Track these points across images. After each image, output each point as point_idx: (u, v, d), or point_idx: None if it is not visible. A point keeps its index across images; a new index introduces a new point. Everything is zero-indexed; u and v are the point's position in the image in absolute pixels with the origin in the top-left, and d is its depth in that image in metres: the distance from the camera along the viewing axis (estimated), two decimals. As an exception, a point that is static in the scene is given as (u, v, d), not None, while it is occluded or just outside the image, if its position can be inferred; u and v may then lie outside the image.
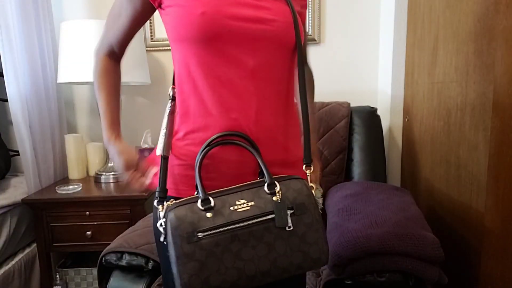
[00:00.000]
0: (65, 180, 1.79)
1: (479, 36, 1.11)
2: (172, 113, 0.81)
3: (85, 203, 1.52)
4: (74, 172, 1.78)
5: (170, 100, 0.82)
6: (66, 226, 1.54)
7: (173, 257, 0.66)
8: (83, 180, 1.78)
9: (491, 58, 1.05)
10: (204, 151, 0.71)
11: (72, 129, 1.98)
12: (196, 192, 0.71)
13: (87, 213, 1.52)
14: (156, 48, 1.90)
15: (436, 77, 1.39)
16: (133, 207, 1.53)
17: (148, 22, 1.87)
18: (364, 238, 1.03)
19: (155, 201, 0.72)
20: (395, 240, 1.02)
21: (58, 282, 1.65)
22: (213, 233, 0.66)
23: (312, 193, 0.73)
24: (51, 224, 1.53)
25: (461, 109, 1.22)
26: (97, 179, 1.73)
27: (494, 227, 1.08)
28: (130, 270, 1.16)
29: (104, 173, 1.72)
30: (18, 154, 1.68)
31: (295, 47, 0.78)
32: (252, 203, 0.68)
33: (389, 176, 1.83)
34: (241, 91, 0.73)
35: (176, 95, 0.79)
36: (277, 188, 0.70)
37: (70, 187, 1.61)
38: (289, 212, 0.69)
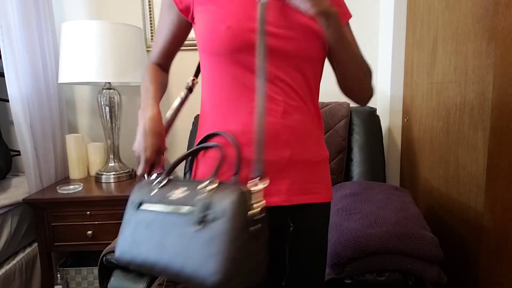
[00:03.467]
0: (66, 180, 1.80)
1: (478, 36, 1.11)
2: (182, 102, 0.89)
3: (86, 203, 1.52)
4: (75, 172, 1.79)
5: (185, 90, 0.91)
6: (67, 225, 1.54)
7: (124, 218, 0.75)
8: (84, 180, 1.78)
9: (490, 58, 1.05)
10: (194, 150, 0.80)
11: (73, 129, 1.98)
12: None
13: (88, 212, 1.53)
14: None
15: (435, 77, 1.40)
16: (134, 206, 1.54)
17: (148, 22, 1.87)
18: (364, 238, 1.04)
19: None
20: (395, 239, 1.02)
21: (59, 281, 1.65)
22: (147, 209, 0.71)
23: (243, 207, 0.64)
24: (52, 224, 1.54)
25: (460, 109, 1.23)
26: (97, 179, 1.74)
27: (493, 226, 1.09)
28: (131, 270, 1.16)
29: (104, 173, 1.73)
30: (19, 154, 1.69)
31: (319, 59, 0.81)
32: (185, 193, 0.69)
33: (388, 176, 1.84)
34: (245, 102, 0.77)
35: (203, 100, 0.84)
36: (211, 187, 0.68)
37: (71, 187, 1.62)
38: (201, 213, 0.65)
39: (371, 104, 1.91)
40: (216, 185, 0.68)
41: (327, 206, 0.86)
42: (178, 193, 0.70)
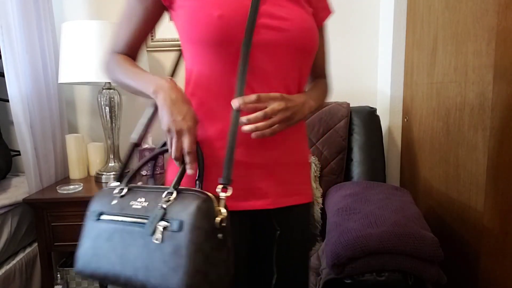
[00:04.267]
0: (66, 180, 1.80)
1: (478, 36, 1.11)
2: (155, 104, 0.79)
3: (86, 203, 1.50)
4: (75, 172, 1.79)
5: None
6: (67, 225, 1.54)
7: (83, 229, 0.72)
8: (84, 180, 1.78)
9: (490, 58, 1.05)
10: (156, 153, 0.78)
11: (73, 129, 1.98)
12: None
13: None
14: (156, 49, 1.91)
15: (435, 77, 1.40)
16: (134, 206, 1.54)
17: (148, 22, 1.87)
18: (364, 238, 1.04)
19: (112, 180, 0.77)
20: (395, 239, 1.02)
21: (59, 281, 1.65)
22: (107, 220, 0.68)
23: (201, 217, 0.62)
24: (52, 224, 1.54)
25: (460, 109, 1.23)
26: (98, 179, 1.74)
27: (493, 226, 1.09)
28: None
29: (105, 173, 1.73)
30: (19, 154, 1.69)
31: (312, 52, 0.78)
32: (145, 204, 0.67)
33: (388, 176, 1.84)
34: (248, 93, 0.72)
35: (190, 94, 0.77)
36: (168, 197, 0.65)
37: (71, 187, 1.62)
38: (161, 224, 0.62)
39: (371, 104, 1.91)
40: (175, 195, 0.65)
41: (310, 206, 0.86)
42: (139, 203, 0.67)
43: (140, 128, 0.78)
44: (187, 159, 0.67)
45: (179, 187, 0.67)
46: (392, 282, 1.02)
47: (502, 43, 1.01)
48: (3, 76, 1.55)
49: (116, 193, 0.71)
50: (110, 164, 1.76)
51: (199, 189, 0.66)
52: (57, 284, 1.64)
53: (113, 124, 1.74)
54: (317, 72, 0.92)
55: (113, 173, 1.73)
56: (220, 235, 0.63)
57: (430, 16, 1.45)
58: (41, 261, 1.57)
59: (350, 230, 1.09)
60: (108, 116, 1.72)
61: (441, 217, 1.37)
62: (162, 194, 0.66)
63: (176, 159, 0.68)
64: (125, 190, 0.71)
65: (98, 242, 0.68)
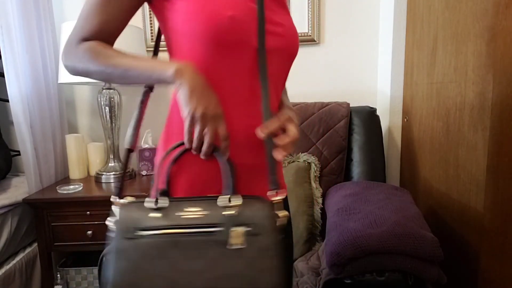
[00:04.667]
0: (66, 180, 1.80)
1: (478, 36, 1.11)
2: (143, 102, 0.77)
3: (86, 203, 1.52)
4: (75, 172, 1.79)
5: (144, 89, 0.78)
6: (67, 225, 1.54)
7: (111, 251, 0.62)
8: (84, 180, 1.78)
9: (490, 58, 1.05)
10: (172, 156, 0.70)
11: (73, 129, 1.99)
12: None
13: (88, 212, 1.53)
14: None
15: (435, 77, 1.40)
16: (134, 206, 1.54)
17: (148, 22, 1.87)
18: (364, 238, 1.04)
19: (112, 197, 0.71)
20: (395, 239, 1.02)
21: (59, 281, 1.65)
22: (153, 234, 0.61)
23: (276, 218, 0.64)
24: (52, 224, 1.54)
25: (460, 109, 1.23)
26: (97, 179, 1.74)
27: (493, 226, 1.09)
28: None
29: (104, 173, 1.73)
30: (19, 154, 1.69)
31: (295, 57, 0.80)
32: (205, 212, 0.63)
33: (388, 176, 1.84)
34: (246, 99, 0.71)
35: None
36: (234, 203, 0.63)
37: (71, 186, 1.62)
38: (241, 230, 0.61)
39: (371, 104, 1.91)
40: (241, 200, 0.64)
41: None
42: (194, 213, 0.63)
43: (131, 133, 0.75)
44: (225, 143, 0.65)
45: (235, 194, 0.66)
46: (392, 282, 1.02)
47: (502, 43, 1.01)
48: (3, 76, 1.55)
49: (151, 206, 0.64)
50: (110, 164, 1.76)
51: (256, 196, 0.66)
52: (57, 284, 1.65)
53: (113, 124, 1.74)
54: None
55: (113, 173, 1.73)
56: (281, 236, 0.64)
57: (430, 16, 1.45)
58: (41, 261, 1.57)
59: (350, 230, 1.09)
60: (108, 116, 1.72)
61: (441, 217, 1.37)
62: (221, 201, 0.64)
63: (208, 148, 0.64)
64: (165, 202, 0.64)
65: (145, 262, 0.60)
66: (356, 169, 1.64)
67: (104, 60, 0.67)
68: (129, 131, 0.75)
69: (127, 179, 1.76)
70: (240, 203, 0.63)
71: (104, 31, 0.69)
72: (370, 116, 1.69)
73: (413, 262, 1.01)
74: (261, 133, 0.68)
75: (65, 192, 1.56)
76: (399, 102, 1.78)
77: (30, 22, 1.61)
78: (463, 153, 1.21)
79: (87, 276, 1.68)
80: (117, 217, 0.64)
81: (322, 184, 1.60)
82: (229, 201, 0.63)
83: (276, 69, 0.74)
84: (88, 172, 1.87)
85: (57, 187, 1.62)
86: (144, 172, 1.83)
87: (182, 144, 0.68)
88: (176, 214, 0.63)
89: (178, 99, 0.64)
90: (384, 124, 1.83)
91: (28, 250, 1.61)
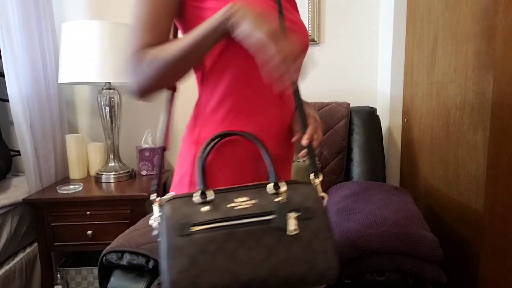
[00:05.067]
0: (66, 180, 1.80)
1: (478, 36, 1.11)
2: (169, 101, 0.77)
3: (86, 203, 1.52)
4: (75, 172, 1.79)
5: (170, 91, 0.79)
6: (67, 225, 1.54)
7: (163, 250, 0.61)
8: (84, 180, 1.78)
9: (490, 58, 1.05)
10: (209, 147, 0.70)
11: (73, 129, 1.99)
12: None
13: (88, 212, 1.53)
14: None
15: (435, 77, 1.40)
16: (134, 206, 1.54)
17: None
18: (364, 238, 1.04)
19: (152, 195, 0.69)
20: (394, 239, 1.02)
21: (59, 281, 1.65)
22: (207, 228, 0.61)
23: (322, 200, 0.67)
24: (52, 224, 1.54)
25: (460, 109, 1.23)
26: (97, 179, 1.74)
27: (493, 226, 1.09)
28: (131, 270, 1.16)
29: (104, 173, 1.73)
30: (19, 154, 1.69)
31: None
32: (254, 201, 0.64)
33: (388, 176, 1.84)
34: (271, 93, 0.75)
35: (220, 95, 0.74)
36: (282, 189, 0.65)
37: (71, 187, 1.62)
38: (293, 215, 0.63)
39: (371, 104, 1.91)
40: (286, 186, 0.66)
41: None
42: (243, 202, 0.64)
43: (163, 132, 0.75)
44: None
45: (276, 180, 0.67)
46: (392, 282, 1.02)
47: (502, 43, 1.01)
48: (3, 76, 1.55)
49: (199, 200, 0.64)
50: (110, 164, 1.76)
51: (297, 180, 0.69)
52: (57, 284, 1.65)
53: (113, 124, 1.74)
54: None
55: (113, 173, 1.73)
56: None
57: (430, 16, 1.45)
58: (41, 261, 1.57)
59: (350, 230, 1.09)
60: (108, 116, 1.72)
61: (441, 217, 1.37)
62: (264, 189, 0.66)
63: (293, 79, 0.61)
64: (211, 195, 0.65)
65: (204, 257, 0.60)
66: (356, 169, 1.64)
67: (168, 52, 0.64)
68: (161, 132, 0.76)
69: (127, 179, 1.76)
70: (286, 189, 0.66)
71: (156, 43, 0.68)
72: (370, 116, 1.69)
73: (413, 262, 1.01)
74: (305, 141, 0.72)
75: (65, 192, 1.56)
76: (399, 102, 1.78)
77: (30, 22, 1.61)
78: (463, 153, 1.21)
79: (87, 276, 1.68)
80: (165, 215, 0.63)
81: (322, 184, 1.59)
82: (276, 188, 0.65)
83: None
84: (88, 172, 1.87)
85: (57, 187, 1.62)
86: (144, 172, 1.83)
87: (218, 137, 0.70)
88: (228, 206, 0.63)
89: (245, 38, 0.59)
90: (384, 124, 1.83)
91: (28, 250, 1.61)
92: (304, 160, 1.59)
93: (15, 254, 1.56)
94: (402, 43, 1.72)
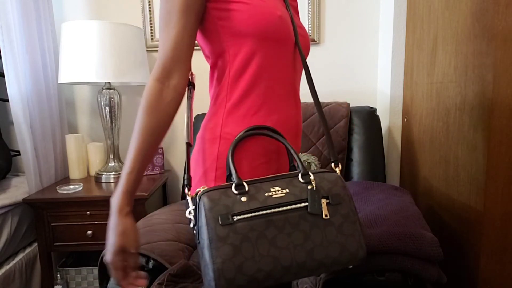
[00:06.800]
0: (66, 180, 1.80)
1: (478, 36, 1.11)
2: (189, 98, 0.78)
3: (86, 203, 1.52)
4: (75, 172, 1.79)
5: (189, 87, 0.79)
6: (67, 225, 1.54)
7: (205, 240, 0.63)
8: (84, 180, 1.78)
9: (490, 58, 1.05)
10: (238, 139, 0.73)
11: (73, 129, 1.99)
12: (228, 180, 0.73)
13: (88, 212, 1.53)
14: (156, 49, 1.91)
15: (435, 77, 1.40)
16: (134, 207, 1.53)
17: (148, 22, 1.87)
18: (364, 238, 1.04)
19: (186, 189, 0.70)
20: (394, 239, 1.02)
21: (59, 281, 1.65)
22: (248, 217, 0.64)
23: (347, 187, 0.73)
24: (52, 224, 1.54)
25: (460, 109, 1.23)
26: (97, 179, 1.74)
27: (493, 226, 1.09)
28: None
29: (104, 173, 1.73)
30: (19, 154, 1.69)
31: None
32: (287, 190, 0.68)
33: (388, 176, 1.84)
34: (289, 91, 0.81)
35: (240, 91, 0.76)
36: (311, 177, 0.70)
37: (71, 186, 1.62)
38: (324, 201, 0.68)
39: (371, 104, 1.91)
40: (312, 176, 0.70)
41: None
42: (279, 192, 0.68)
43: (187, 129, 0.76)
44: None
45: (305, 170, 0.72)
46: (392, 282, 1.02)
47: (502, 43, 1.01)
48: (3, 76, 1.55)
49: (237, 191, 0.66)
50: (110, 164, 1.76)
51: (322, 169, 0.75)
52: (57, 284, 1.65)
53: (113, 124, 1.74)
54: None
55: (113, 173, 1.73)
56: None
57: (430, 16, 1.45)
58: (41, 261, 1.57)
59: (350, 230, 1.09)
60: (108, 116, 1.73)
61: (441, 217, 1.37)
62: (294, 179, 0.70)
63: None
64: (246, 187, 0.67)
65: (247, 245, 0.63)
66: (356, 169, 1.64)
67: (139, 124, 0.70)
68: (186, 128, 0.77)
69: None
70: (313, 178, 0.70)
71: (188, 53, 0.71)
72: (370, 116, 1.69)
73: (413, 262, 1.01)
74: None
75: (65, 192, 1.56)
76: (399, 102, 1.78)
77: (30, 22, 1.61)
78: (463, 153, 1.21)
79: (87, 276, 1.68)
80: (206, 206, 0.64)
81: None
82: (306, 177, 0.70)
83: (299, 66, 0.85)
84: (88, 172, 1.87)
85: (57, 187, 1.62)
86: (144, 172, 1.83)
87: (248, 131, 0.74)
88: (265, 195, 0.67)
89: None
90: (384, 124, 1.83)
91: (28, 250, 1.61)
92: (304, 160, 1.59)
93: (15, 254, 1.56)
94: (402, 43, 1.72)
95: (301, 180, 0.70)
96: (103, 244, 1.53)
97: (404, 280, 1.02)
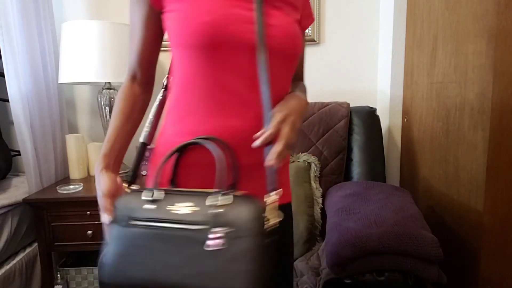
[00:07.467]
0: (66, 180, 1.80)
1: (478, 36, 1.11)
2: (161, 103, 0.83)
3: (86, 203, 1.52)
4: (75, 172, 1.79)
5: (162, 90, 0.84)
6: (67, 225, 1.54)
7: (107, 234, 0.69)
8: (84, 180, 1.78)
9: (490, 58, 1.05)
10: (177, 150, 0.71)
11: (73, 129, 1.99)
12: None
13: (88, 212, 1.53)
14: (157, 49, 1.91)
15: (435, 77, 1.40)
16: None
17: (148, 22, 1.87)
18: (364, 238, 1.04)
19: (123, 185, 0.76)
20: (394, 239, 1.02)
21: (59, 281, 1.65)
22: (143, 225, 0.64)
23: (263, 221, 0.62)
24: (52, 224, 1.54)
25: (460, 109, 1.23)
26: (97, 179, 1.74)
27: (492, 226, 1.09)
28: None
29: (104, 173, 1.73)
30: (19, 154, 1.69)
31: (296, 58, 0.79)
32: (196, 209, 0.63)
33: (388, 176, 1.84)
34: (244, 99, 0.73)
35: (175, 96, 0.77)
36: (221, 202, 0.62)
37: (71, 186, 1.62)
38: (220, 230, 0.61)
39: (371, 104, 1.91)
40: (231, 200, 0.63)
41: (290, 206, 0.88)
42: (184, 207, 0.64)
43: (148, 126, 0.79)
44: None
45: (229, 191, 0.64)
46: (392, 282, 1.03)
47: (502, 43, 1.01)
48: (3, 76, 1.55)
49: (147, 198, 0.66)
50: (110, 164, 1.76)
51: (249, 195, 0.65)
52: (57, 284, 1.65)
53: (113, 124, 1.74)
54: (297, 76, 0.92)
55: (113, 173, 1.73)
56: (269, 239, 0.63)
57: (430, 16, 1.45)
58: (41, 261, 1.57)
59: (350, 230, 1.09)
60: (108, 116, 1.72)
61: (441, 217, 1.37)
62: (212, 199, 0.64)
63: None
64: (161, 194, 0.66)
65: (132, 249, 0.64)
66: (356, 169, 1.64)
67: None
68: (147, 125, 0.82)
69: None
70: (230, 202, 0.63)
71: (140, 59, 0.82)
72: (370, 116, 1.69)
73: (413, 262, 1.01)
74: (256, 143, 0.69)
75: (65, 192, 1.56)
76: (399, 102, 1.78)
77: (30, 22, 1.61)
78: (463, 153, 1.21)
79: (87, 276, 1.68)
80: (116, 204, 0.69)
81: (322, 184, 1.60)
82: (218, 199, 0.63)
83: (273, 71, 0.74)
84: (88, 172, 1.87)
85: (57, 187, 1.62)
86: (144, 172, 1.83)
87: (191, 144, 0.71)
88: (167, 208, 0.65)
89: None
90: (384, 124, 1.83)
91: (28, 250, 1.61)
92: (304, 161, 1.59)
93: (15, 254, 1.56)
94: (402, 43, 1.72)
95: (212, 203, 0.63)
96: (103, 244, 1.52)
97: (404, 280, 1.02)
